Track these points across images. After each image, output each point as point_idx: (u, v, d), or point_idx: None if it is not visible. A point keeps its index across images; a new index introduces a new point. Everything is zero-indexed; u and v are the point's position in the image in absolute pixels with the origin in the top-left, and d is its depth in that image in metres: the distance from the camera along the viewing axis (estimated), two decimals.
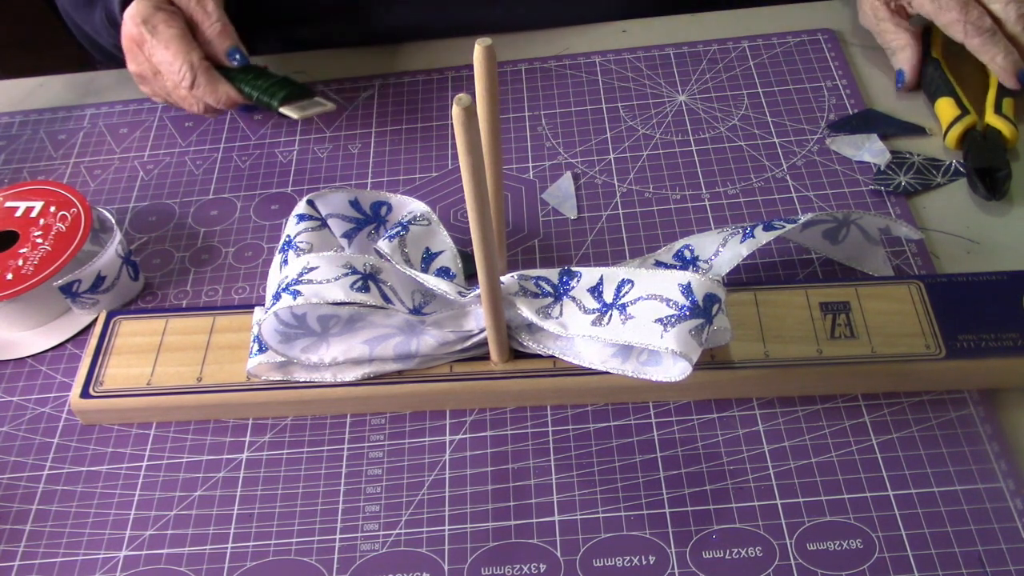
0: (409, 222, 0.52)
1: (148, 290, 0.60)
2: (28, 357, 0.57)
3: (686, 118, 0.67)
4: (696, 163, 0.63)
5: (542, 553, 0.46)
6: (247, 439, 0.51)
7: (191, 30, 0.64)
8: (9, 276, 0.56)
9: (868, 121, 0.64)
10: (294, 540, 0.47)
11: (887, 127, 0.63)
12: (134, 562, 0.47)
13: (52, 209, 0.59)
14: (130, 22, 0.63)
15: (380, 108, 0.71)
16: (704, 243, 0.53)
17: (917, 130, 0.63)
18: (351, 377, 0.50)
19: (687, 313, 0.44)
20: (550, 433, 0.50)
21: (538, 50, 0.74)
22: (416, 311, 0.49)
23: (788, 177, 0.61)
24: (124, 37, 0.64)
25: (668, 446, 0.49)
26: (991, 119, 0.61)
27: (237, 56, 0.63)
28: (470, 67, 0.67)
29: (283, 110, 0.63)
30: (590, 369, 0.48)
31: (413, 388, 0.50)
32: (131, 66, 0.66)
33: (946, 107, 0.62)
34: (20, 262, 0.56)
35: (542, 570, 0.45)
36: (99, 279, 0.57)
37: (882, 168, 0.60)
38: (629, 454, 0.49)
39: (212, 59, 0.64)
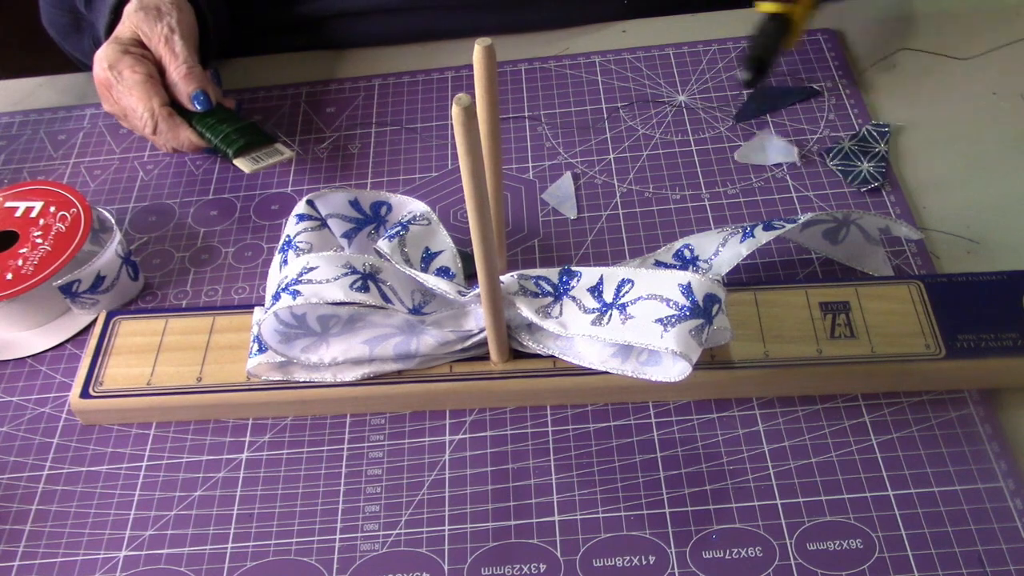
0: (409, 222, 0.52)
1: (148, 290, 0.60)
2: (28, 357, 0.57)
3: (686, 118, 0.67)
4: (696, 163, 0.63)
5: (542, 553, 0.46)
6: (247, 439, 0.51)
7: (161, 71, 0.64)
8: (9, 276, 0.56)
9: (764, 100, 0.65)
10: (294, 540, 0.47)
11: (784, 98, 0.65)
12: (134, 562, 0.47)
13: (52, 209, 0.59)
14: (98, 66, 0.64)
15: (380, 108, 0.71)
16: (704, 243, 0.53)
17: (811, 92, 0.65)
18: (351, 377, 0.50)
19: (687, 313, 0.44)
20: (550, 433, 0.50)
21: (538, 50, 0.74)
22: (416, 311, 0.49)
23: (788, 177, 0.61)
24: (95, 79, 0.65)
25: (668, 446, 0.49)
26: (796, 14, 0.62)
27: (200, 99, 0.63)
28: (470, 67, 0.67)
29: (236, 162, 0.63)
30: (590, 369, 0.48)
31: (413, 388, 0.50)
32: (105, 106, 0.67)
33: None
34: (20, 262, 0.56)
35: (542, 570, 0.45)
36: (99, 279, 0.57)
37: (797, 163, 0.61)
38: (629, 454, 0.49)
39: (178, 101, 0.64)
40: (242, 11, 0.75)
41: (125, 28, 0.65)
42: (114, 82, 0.64)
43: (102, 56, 0.64)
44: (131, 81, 0.63)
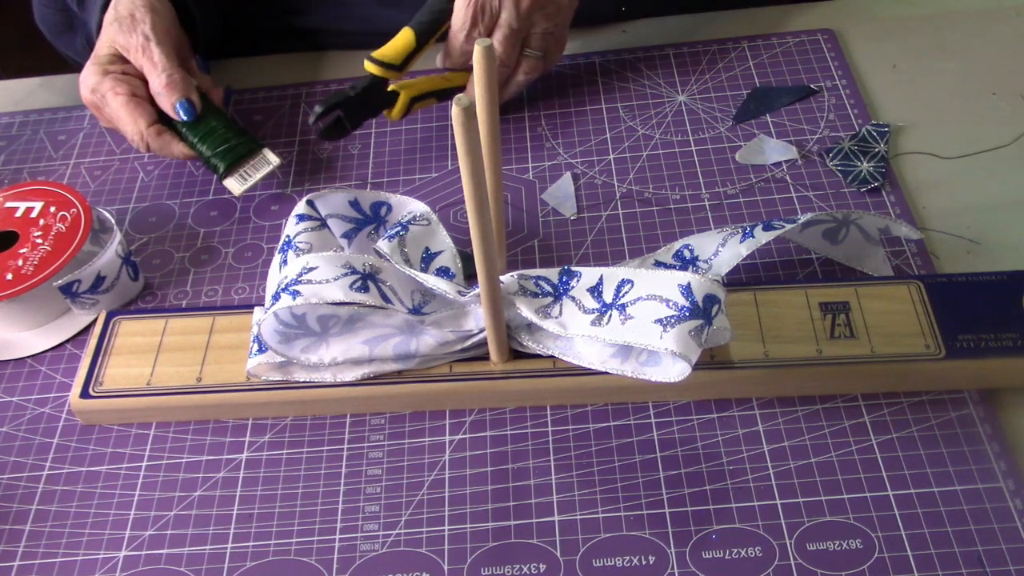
0: (409, 222, 0.52)
1: (148, 290, 0.60)
2: (28, 357, 0.57)
3: (686, 118, 0.67)
4: (696, 163, 0.63)
5: (542, 553, 0.46)
6: (247, 439, 0.51)
7: (145, 81, 0.64)
8: (9, 276, 0.56)
9: (762, 100, 0.66)
10: (294, 540, 0.47)
11: (781, 98, 0.65)
12: (134, 562, 0.47)
13: (52, 209, 0.59)
14: (83, 88, 0.64)
15: None
16: (704, 243, 0.53)
17: (811, 92, 0.66)
18: (351, 377, 0.50)
19: (687, 314, 0.44)
20: (550, 433, 0.50)
21: None
22: (416, 311, 0.49)
23: (788, 177, 0.61)
24: (83, 101, 0.65)
25: (668, 446, 0.49)
26: (405, 92, 0.62)
27: (184, 107, 0.63)
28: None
29: (226, 183, 0.63)
30: (590, 369, 0.48)
31: (413, 388, 0.50)
32: (102, 123, 0.67)
33: (407, 40, 0.61)
34: (20, 262, 0.56)
35: (542, 570, 0.45)
36: (99, 279, 0.57)
37: (797, 160, 0.61)
38: (629, 454, 0.49)
39: (165, 112, 0.64)
40: (241, 17, 0.75)
41: (103, 44, 0.65)
42: (100, 106, 0.64)
43: (84, 80, 0.64)
44: (115, 104, 0.62)
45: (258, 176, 0.63)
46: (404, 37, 0.62)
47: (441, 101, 0.65)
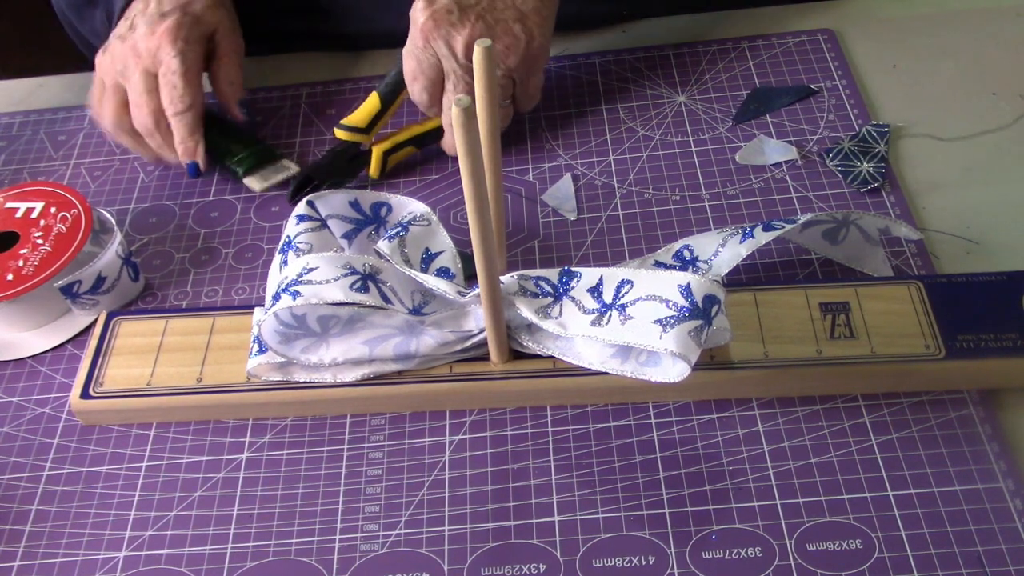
0: (409, 223, 0.52)
1: (148, 291, 0.60)
2: (28, 358, 0.57)
3: (686, 118, 0.67)
4: (696, 163, 0.63)
5: (542, 553, 0.46)
6: (247, 439, 0.52)
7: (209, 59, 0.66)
8: (9, 277, 0.56)
9: (762, 101, 0.66)
10: (294, 540, 0.47)
11: (781, 98, 0.65)
12: (134, 562, 0.47)
13: (52, 210, 0.59)
14: (105, 60, 0.65)
15: None
16: (704, 243, 0.53)
17: (811, 92, 0.66)
18: (351, 377, 0.50)
19: (686, 314, 0.44)
20: (550, 433, 0.50)
21: None
22: (416, 311, 0.49)
23: (788, 177, 0.61)
24: (98, 68, 0.65)
25: (668, 446, 0.49)
26: (376, 148, 0.63)
27: (191, 168, 0.64)
28: None
29: (246, 181, 0.65)
30: (590, 369, 0.48)
31: (413, 388, 0.50)
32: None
33: (373, 104, 0.63)
34: (20, 263, 0.56)
35: (542, 570, 0.45)
36: (99, 280, 0.57)
37: (797, 160, 0.61)
38: (629, 454, 0.49)
39: (220, 100, 0.66)
40: (240, 18, 0.75)
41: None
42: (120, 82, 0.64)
43: (107, 54, 0.64)
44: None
45: (277, 178, 0.65)
46: (371, 102, 0.63)
47: (420, 147, 0.65)
